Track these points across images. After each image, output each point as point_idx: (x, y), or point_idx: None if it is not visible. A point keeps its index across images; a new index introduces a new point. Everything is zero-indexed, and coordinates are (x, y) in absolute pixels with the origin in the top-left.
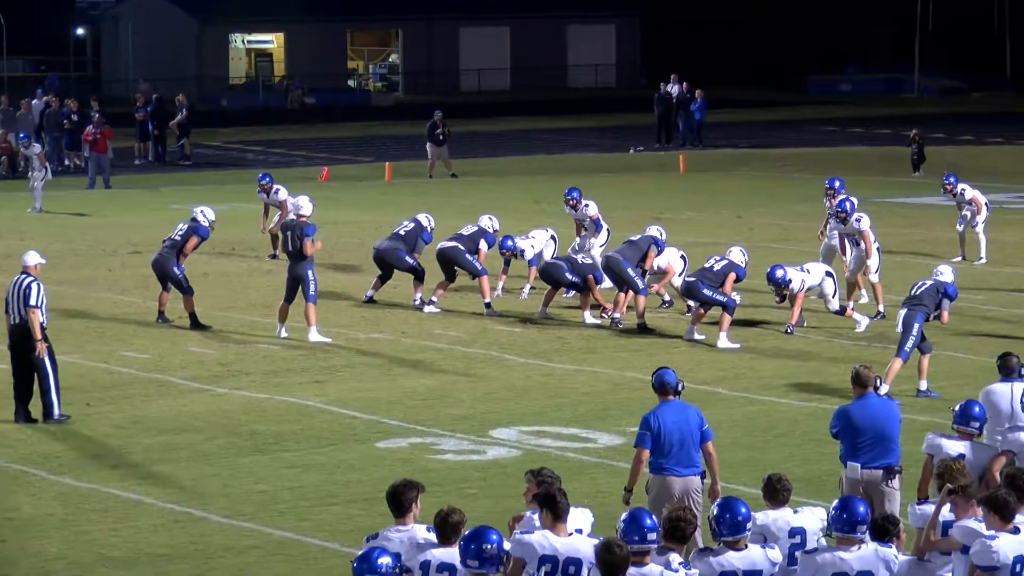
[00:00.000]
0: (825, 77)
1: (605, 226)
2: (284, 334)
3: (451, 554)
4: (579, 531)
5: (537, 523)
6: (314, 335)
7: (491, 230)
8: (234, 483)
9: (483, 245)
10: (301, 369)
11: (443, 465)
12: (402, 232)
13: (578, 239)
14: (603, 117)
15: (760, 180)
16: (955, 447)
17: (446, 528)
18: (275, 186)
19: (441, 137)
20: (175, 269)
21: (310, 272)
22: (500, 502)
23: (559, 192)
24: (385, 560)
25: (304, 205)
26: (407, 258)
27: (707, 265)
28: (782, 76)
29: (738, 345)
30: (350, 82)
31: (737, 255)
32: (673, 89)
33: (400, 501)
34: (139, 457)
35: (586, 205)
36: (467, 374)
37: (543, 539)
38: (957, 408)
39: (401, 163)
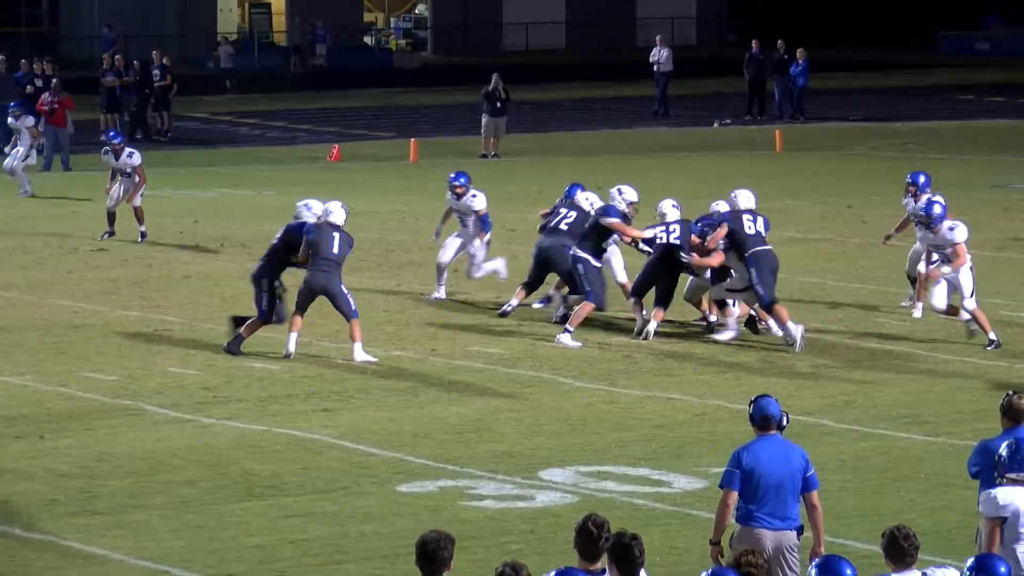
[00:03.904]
0: (959, 33)
1: (490, 224)
2: (292, 349)
3: None
4: None
5: None
6: (360, 353)
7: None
8: (222, 535)
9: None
10: (305, 394)
11: (481, 514)
12: (563, 225)
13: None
14: (681, 83)
15: (876, 161)
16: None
17: None
18: (472, 191)
19: (499, 105)
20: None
21: (343, 286)
22: (552, 560)
23: (627, 177)
24: None
25: (335, 212)
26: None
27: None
28: (904, 32)
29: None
30: (367, 39)
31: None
32: (769, 50)
33: (433, 558)
34: (104, 503)
35: (473, 195)
36: (511, 401)
37: None
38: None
39: (430, 139)
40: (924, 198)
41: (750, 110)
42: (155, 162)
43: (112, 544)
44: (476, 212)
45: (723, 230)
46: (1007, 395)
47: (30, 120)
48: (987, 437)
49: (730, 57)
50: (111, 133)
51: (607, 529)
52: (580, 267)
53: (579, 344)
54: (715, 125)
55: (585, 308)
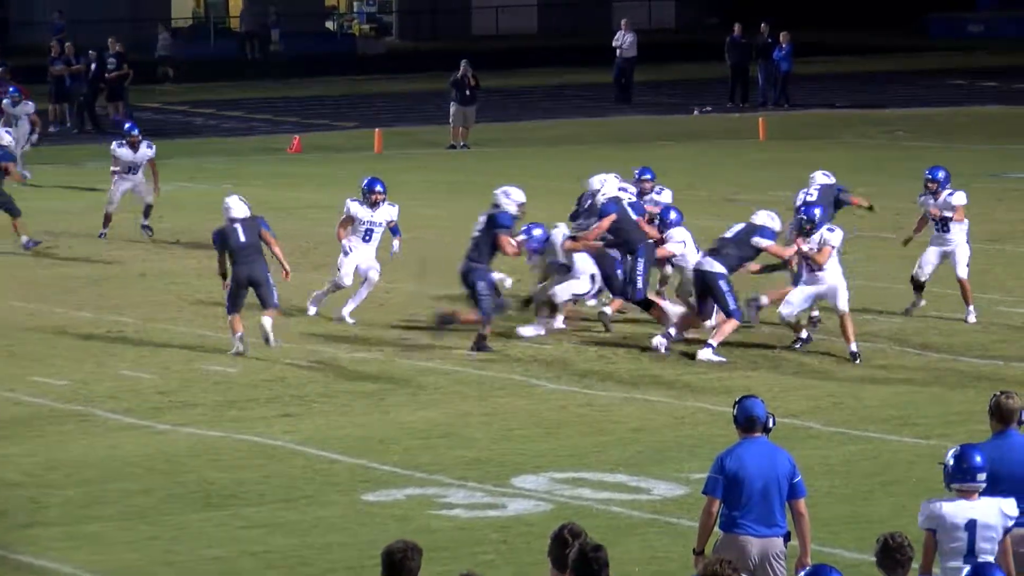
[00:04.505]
0: (950, 15)
1: None
2: (241, 347)
3: None
4: None
5: None
6: (268, 325)
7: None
8: (179, 547)
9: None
10: (266, 399)
11: (450, 524)
12: (729, 234)
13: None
14: (659, 68)
15: (864, 150)
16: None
17: None
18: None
19: (468, 93)
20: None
21: (269, 275)
22: (525, 571)
23: (604, 167)
24: None
25: (233, 207)
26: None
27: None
28: (893, 14)
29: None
30: (328, 23)
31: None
32: (752, 34)
33: (400, 569)
34: (55, 513)
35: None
36: (482, 404)
37: None
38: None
39: (395, 129)
40: (944, 195)
41: (732, 97)
42: (105, 154)
43: (64, 557)
44: (391, 222)
45: (607, 221)
46: (995, 396)
47: (30, 106)
48: (981, 440)
49: (711, 41)
50: (128, 125)
51: (584, 538)
52: (722, 283)
53: (723, 359)
54: (695, 113)
55: (730, 324)
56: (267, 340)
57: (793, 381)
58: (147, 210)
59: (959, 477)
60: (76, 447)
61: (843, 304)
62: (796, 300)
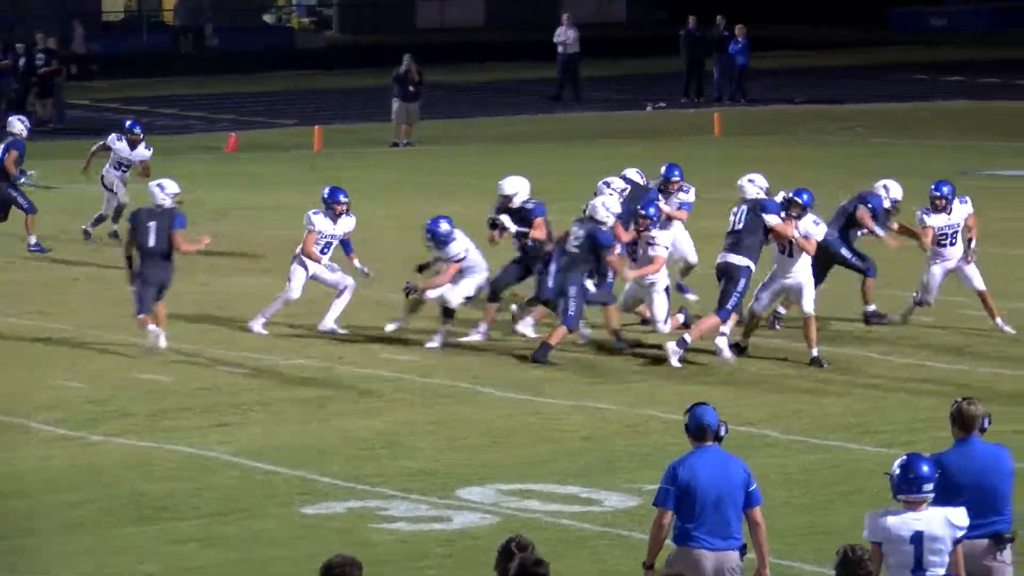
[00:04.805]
0: (912, 9)
1: None
2: (163, 343)
3: None
4: None
5: None
6: (163, 340)
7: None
8: (113, 561)
9: None
10: (201, 408)
11: (393, 537)
12: (740, 224)
13: None
14: (610, 64)
15: (822, 146)
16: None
17: None
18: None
19: (412, 89)
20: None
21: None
22: None
23: (560, 164)
24: None
25: (155, 193)
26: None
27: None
28: (854, 7)
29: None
30: (266, 17)
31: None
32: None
33: None
34: None
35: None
36: (426, 413)
37: None
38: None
39: (336, 126)
40: (959, 208)
41: (687, 92)
42: (40, 153)
43: None
44: (347, 234)
45: (541, 222)
46: (956, 402)
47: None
48: (945, 447)
49: (663, 35)
50: (131, 122)
51: (530, 552)
52: (743, 281)
53: (732, 356)
54: (648, 109)
55: (712, 321)
56: (155, 346)
57: (751, 389)
58: (117, 212)
59: (905, 488)
60: (6, 459)
61: (808, 306)
62: (766, 295)
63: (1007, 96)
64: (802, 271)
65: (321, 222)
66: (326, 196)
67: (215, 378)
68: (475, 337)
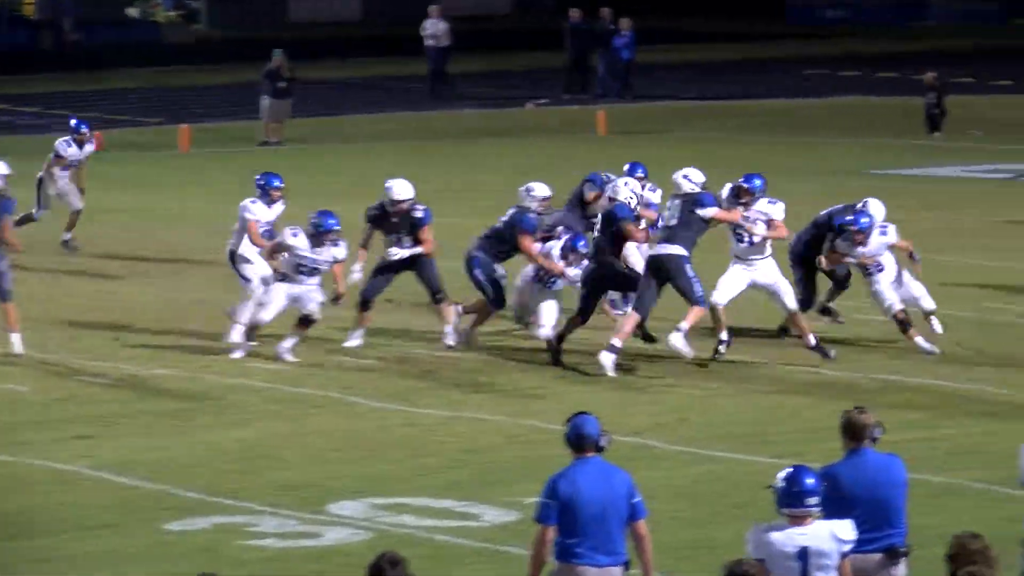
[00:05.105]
0: (809, 1)
1: None
2: (19, 348)
3: None
4: None
5: None
6: (19, 346)
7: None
8: None
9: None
10: (59, 419)
11: (261, 555)
12: (673, 221)
13: None
14: (490, 58)
15: (709, 144)
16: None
17: None
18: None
19: (282, 86)
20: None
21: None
22: None
23: (439, 164)
24: None
25: None
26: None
27: None
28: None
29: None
30: (130, 10)
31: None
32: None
33: None
34: None
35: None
36: (296, 424)
37: None
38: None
39: (204, 124)
40: (876, 238)
41: (569, 87)
42: None
43: None
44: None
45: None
46: (845, 412)
47: None
48: (838, 458)
49: (546, 28)
50: (77, 121)
51: (403, 568)
52: (688, 267)
53: (690, 352)
54: (528, 106)
55: (697, 312)
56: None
57: (636, 396)
58: (73, 219)
59: (789, 501)
60: None
61: (791, 303)
62: (730, 285)
63: (904, 92)
64: (770, 272)
65: (260, 210)
66: (260, 182)
67: (74, 388)
68: (354, 343)
